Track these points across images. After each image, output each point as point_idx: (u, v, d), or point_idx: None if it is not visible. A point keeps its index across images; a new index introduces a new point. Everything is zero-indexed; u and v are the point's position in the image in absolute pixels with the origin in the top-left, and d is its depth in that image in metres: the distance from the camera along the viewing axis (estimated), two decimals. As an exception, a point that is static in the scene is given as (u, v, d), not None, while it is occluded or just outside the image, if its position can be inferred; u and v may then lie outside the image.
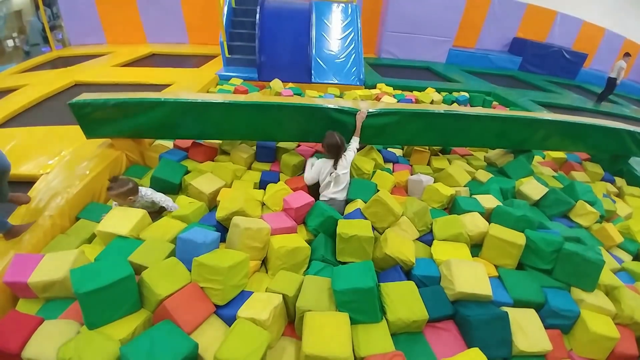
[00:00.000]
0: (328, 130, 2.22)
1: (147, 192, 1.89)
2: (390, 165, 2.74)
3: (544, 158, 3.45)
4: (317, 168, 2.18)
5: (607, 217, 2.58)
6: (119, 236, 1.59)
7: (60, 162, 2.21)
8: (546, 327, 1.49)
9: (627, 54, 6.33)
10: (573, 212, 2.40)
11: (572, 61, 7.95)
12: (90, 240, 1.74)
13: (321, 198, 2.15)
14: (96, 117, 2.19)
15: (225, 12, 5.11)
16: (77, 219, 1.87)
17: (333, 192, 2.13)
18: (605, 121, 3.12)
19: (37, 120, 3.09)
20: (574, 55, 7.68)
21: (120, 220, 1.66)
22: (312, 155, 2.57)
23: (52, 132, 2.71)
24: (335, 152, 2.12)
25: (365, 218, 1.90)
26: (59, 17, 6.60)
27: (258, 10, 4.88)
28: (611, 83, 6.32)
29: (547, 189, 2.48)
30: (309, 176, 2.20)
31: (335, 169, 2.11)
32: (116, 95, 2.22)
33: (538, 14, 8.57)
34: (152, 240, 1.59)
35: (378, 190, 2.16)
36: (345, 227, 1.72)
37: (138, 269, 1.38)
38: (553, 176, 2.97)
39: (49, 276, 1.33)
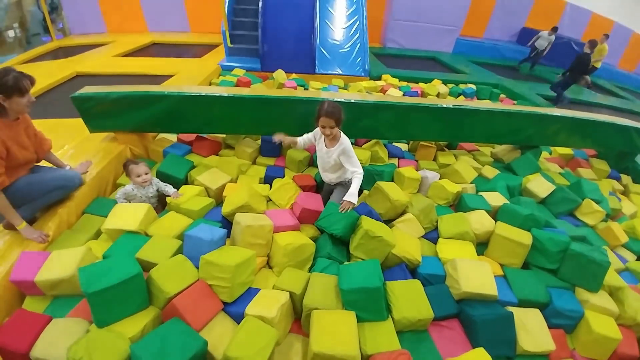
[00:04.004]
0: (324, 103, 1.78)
1: (156, 179, 2.03)
2: (395, 160, 2.72)
3: (550, 154, 3.42)
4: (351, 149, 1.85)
5: (612, 215, 2.57)
6: (126, 232, 1.60)
7: (64, 157, 2.19)
8: (550, 327, 1.50)
9: (554, 28, 6.96)
10: (579, 210, 2.39)
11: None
12: (96, 235, 1.75)
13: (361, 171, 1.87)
14: (99, 111, 2.16)
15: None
16: (84, 213, 1.87)
17: None
18: (613, 118, 3.08)
19: (39, 114, 3.00)
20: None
21: (127, 215, 1.66)
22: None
23: (55, 126, 2.68)
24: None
25: (371, 208, 1.92)
26: (58, 6, 6.49)
27: (261, -3, 4.76)
28: (534, 51, 7.10)
29: (554, 187, 2.46)
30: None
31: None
32: (119, 88, 2.19)
33: (547, 4, 8.36)
34: (159, 236, 1.59)
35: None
36: (371, 226, 1.65)
37: (146, 266, 1.38)
38: (560, 173, 2.95)
39: (56, 274, 1.33)
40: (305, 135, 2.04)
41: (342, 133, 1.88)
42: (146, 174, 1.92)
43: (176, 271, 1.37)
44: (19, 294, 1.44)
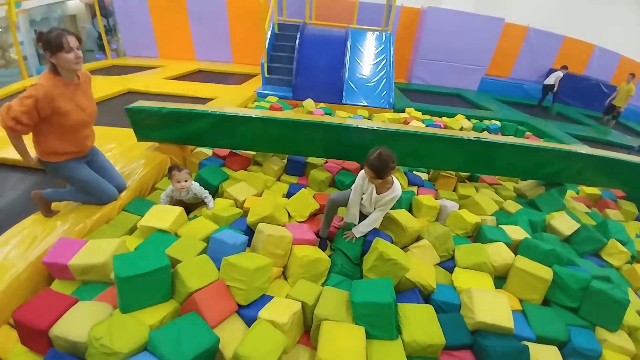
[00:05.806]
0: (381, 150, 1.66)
1: (196, 184, 2.14)
2: (414, 189, 2.76)
3: (577, 193, 3.30)
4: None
5: (638, 258, 2.41)
6: (158, 230, 1.74)
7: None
8: (569, 367, 1.42)
9: (564, 67, 7.10)
10: (604, 250, 2.27)
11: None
12: (130, 231, 1.91)
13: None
14: (148, 123, 2.44)
15: (269, 36, 5.53)
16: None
17: None
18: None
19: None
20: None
21: (161, 216, 1.82)
22: (338, 172, 2.68)
23: (105, 132, 3.01)
24: None
25: (382, 232, 1.98)
26: (112, 29, 7.35)
27: (298, 36, 5.25)
28: (546, 89, 7.15)
29: (578, 225, 2.37)
30: None
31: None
32: (168, 104, 2.48)
33: (575, 46, 8.41)
34: (187, 237, 1.72)
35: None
36: (386, 248, 1.68)
37: (172, 262, 1.48)
38: (586, 212, 2.84)
39: (90, 260, 1.42)
40: (352, 196, 1.91)
41: (395, 180, 1.82)
42: (185, 181, 2.04)
43: (199, 269, 1.46)
44: (46, 278, 1.51)
